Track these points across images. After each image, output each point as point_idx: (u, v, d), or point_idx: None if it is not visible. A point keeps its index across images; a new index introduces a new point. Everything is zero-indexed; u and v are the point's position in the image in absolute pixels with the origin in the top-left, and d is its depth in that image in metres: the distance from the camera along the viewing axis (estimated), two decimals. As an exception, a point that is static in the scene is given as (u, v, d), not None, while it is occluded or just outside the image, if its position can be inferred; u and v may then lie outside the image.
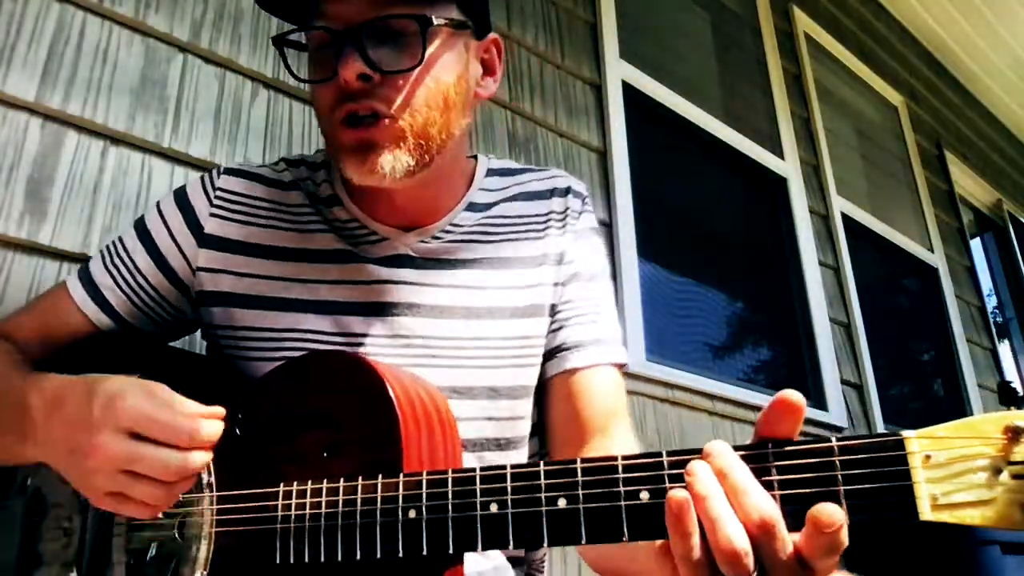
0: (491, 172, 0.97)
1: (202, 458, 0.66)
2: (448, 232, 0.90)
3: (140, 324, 0.90)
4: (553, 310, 0.91)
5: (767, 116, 3.06)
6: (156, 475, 0.64)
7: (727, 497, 0.50)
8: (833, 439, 0.50)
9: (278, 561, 0.66)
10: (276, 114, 1.47)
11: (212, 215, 0.88)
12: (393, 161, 0.78)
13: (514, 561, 0.89)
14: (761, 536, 0.49)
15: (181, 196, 0.90)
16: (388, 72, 0.77)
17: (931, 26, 4.40)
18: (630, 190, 2.19)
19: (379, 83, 0.77)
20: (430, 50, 0.79)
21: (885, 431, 0.50)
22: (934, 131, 4.28)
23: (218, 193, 0.89)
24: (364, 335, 0.85)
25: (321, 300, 0.85)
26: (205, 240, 0.87)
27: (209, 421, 0.67)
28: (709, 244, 2.78)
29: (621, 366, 0.93)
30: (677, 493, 0.50)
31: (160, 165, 1.29)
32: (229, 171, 0.91)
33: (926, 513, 0.47)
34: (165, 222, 0.88)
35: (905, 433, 0.48)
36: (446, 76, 0.81)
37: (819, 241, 2.98)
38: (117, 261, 0.89)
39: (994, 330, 4.04)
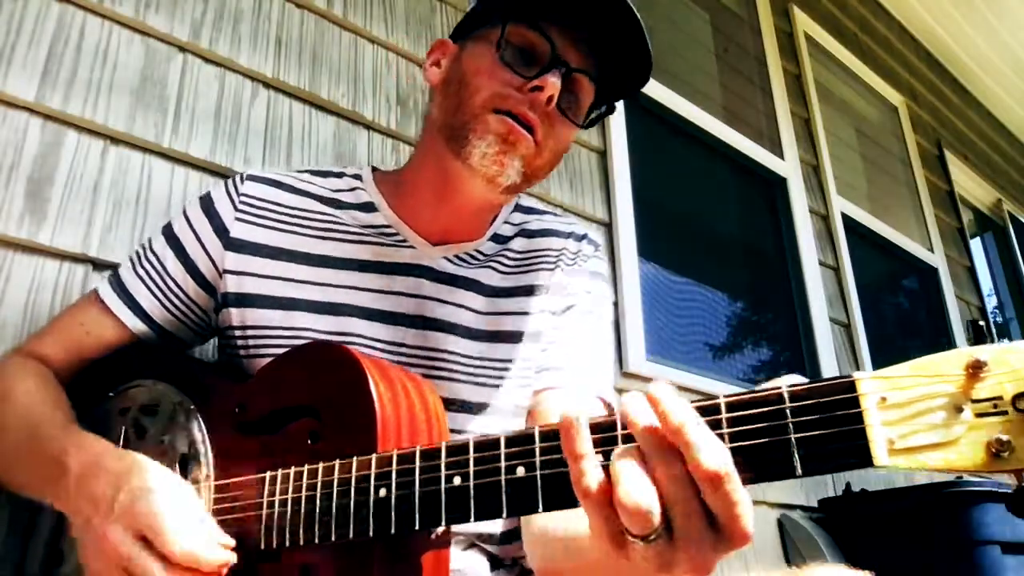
0: (517, 207, 1.03)
1: None
2: (472, 257, 0.95)
3: (173, 329, 0.93)
4: (543, 336, 0.95)
5: (767, 116, 3.06)
6: None
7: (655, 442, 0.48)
8: (783, 387, 0.48)
9: (262, 547, 0.67)
10: (276, 114, 1.47)
11: (237, 219, 0.91)
12: (515, 174, 0.85)
13: (497, 562, 0.90)
14: (672, 491, 0.46)
15: (207, 202, 0.93)
16: (565, 114, 0.87)
17: (931, 26, 4.40)
18: (630, 190, 2.19)
19: (547, 112, 0.85)
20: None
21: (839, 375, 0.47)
22: (934, 131, 4.28)
23: (242, 198, 0.92)
24: (374, 339, 0.88)
25: (337, 303, 0.88)
26: (231, 243, 0.90)
27: (214, 552, 0.67)
28: (709, 244, 2.78)
29: (605, 402, 0.94)
30: (568, 412, 0.50)
31: (160, 165, 1.29)
32: (252, 177, 0.95)
33: (881, 458, 0.44)
34: (192, 227, 0.92)
35: (857, 375, 0.46)
36: (569, 144, 0.92)
37: (819, 241, 2.98)
38: (147, 266, 0.92)
39: (994, 330, 4.04)
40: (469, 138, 0.84)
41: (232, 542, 0.69)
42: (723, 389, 2.25)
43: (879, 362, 3.02)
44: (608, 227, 2.12)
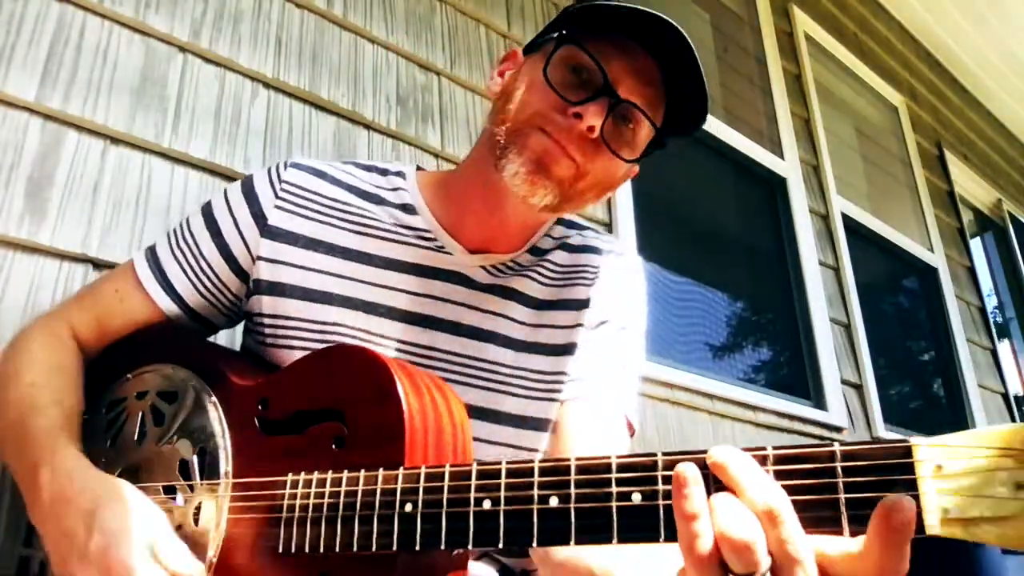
0: (559, 220, 1.01)
1: None
2: (507, 267, 0.94)
3: (203, 312, 0.92)
4: (576, 348, 0.94)
5: (767, 116, 3.06)
6: None
7: (731, 489, 0.47)
8: (836, 445, 0.47)
9: (280, 550, 0.66)
10: (276, 114, 1.47)
11: (277, 207, 0.89)
12: (549, 196, 0.83)
13: (508, 572, 0.90)
14: (767, 525, 0.45)
15: (248, 185, 0.92)
16: (609, 146, 0.83)
17: (931, 26, 4.40)
18: (630, 190, 2.19)
19: (590, 141, 0.82)
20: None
21: (890, 436, 0.46)
22: (934, 131, 4.28)
23: (284, 186, 0.90)
24: (407, 342, 0.87)
25: (372, 302, 0.87)
26: (268, 230, 0.88)
27: None
28: (709, 244, 2.78)
29: (629, 423, 0.94)
30: (686, 466, 0.47)
31: (160, 165, 1.29)
32: (296, 165, 0.93)
33: (934, 527, 0.43)
34: (231, 210, 0.90)
35: (914, 440, 0.45)
36: (622, 176, 0.89)
37: (819, 241, 2.98)
38: (183, 245, 0.91)
39: (994, 330, 4.04)
40: (507, 152, 0.83)
41: (201, 568, 0.69)
42: (723, 389, 2.25)
43: (879, 362, 3.02)
44: (608, 227, 2.12)
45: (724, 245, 2.86)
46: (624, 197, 2.17)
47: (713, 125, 2.72)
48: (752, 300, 2.92)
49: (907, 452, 0.45)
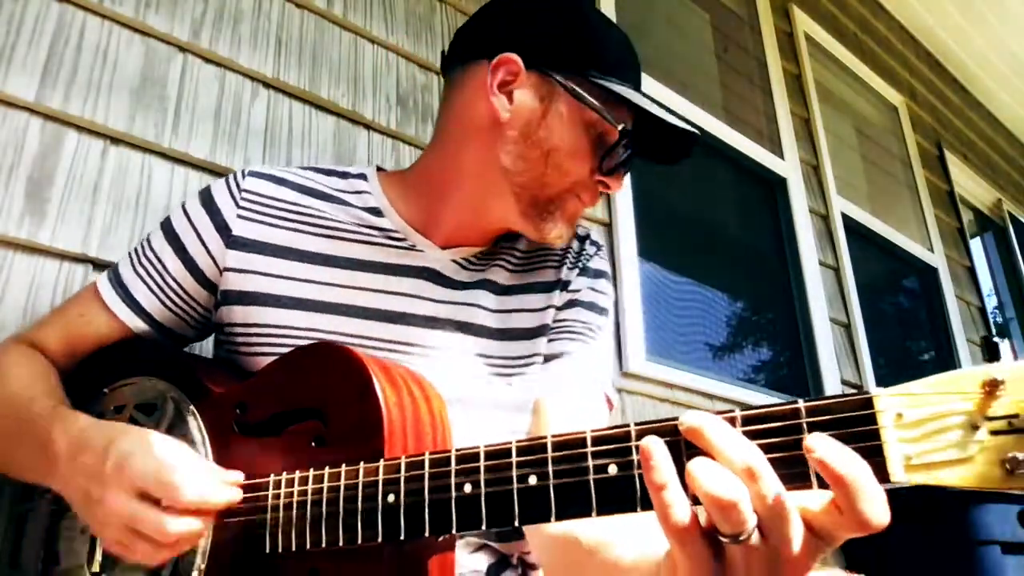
0: None
1: (199, 525, 0.67)
2: (477, 258, 0.96)
3: (172, 326, 0.92)
4: (549, 329, 0.96)
5: (767, 116, 3.06)
6: (155, 537, 0.66)
7: (706, 453, 0.47)
8: (800, 401, 0.48)
9: (267, 550, 0.67)
10: (276, 114, 1.47)
11: (240, 217, 0.89)
12: (566, 240, 0.95)
13: (506, 562, 0.90)
14: (748, 483, 0.45)
15: (207, 198, 0.91)
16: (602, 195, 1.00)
17: (931, 26, 4.40)
18: (630, 190, 2.19)
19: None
20: None
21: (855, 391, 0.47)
22: (934, 131, 4.28)
23: (244, 195, 0.90)
24: (381, 339, 0.88)
25: (343, 304, 0.88)
26: (234, 241, 0.89)
27: (217, 487, 0.68)
28: (709, 244, 2.78)
29: (607, 398, 0.96)
30: (650, 439, 0.48)
31: (160, 165, 1.28)
32: (254, 173, 0.93)
33: (897, 475, 0.44)
34: (192, 224, 0.90)
35: (874, 390, 0.46)
36: None
37: (819, 241, 2.98)
38: (146, 263, 0.91)
39: (994, 330, 4.04)
40: (555, 216, 0.90)
41: (237, 476, 0.70)
42: (723, 389, 2.25)
43: (879, 362, 3.02)
44: (608, 227, 2.12)
45: (724, 245, 2.85)
46: (624, 197, 2.16)
47: (713, 125, 2.72)
48: (752, 300, 2.91)
49: (868, 403, 0.46)
